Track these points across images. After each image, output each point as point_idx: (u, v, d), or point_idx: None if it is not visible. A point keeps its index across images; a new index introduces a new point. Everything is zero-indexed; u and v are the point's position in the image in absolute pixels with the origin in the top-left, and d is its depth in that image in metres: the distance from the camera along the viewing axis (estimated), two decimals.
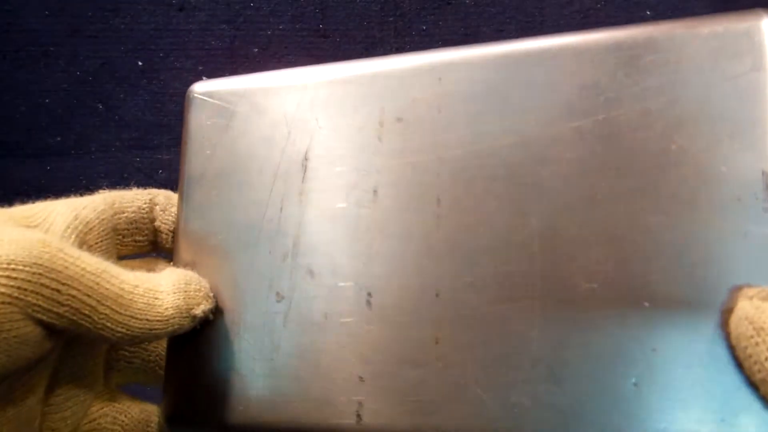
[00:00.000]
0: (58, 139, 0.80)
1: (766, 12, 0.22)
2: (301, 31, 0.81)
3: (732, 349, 0.21)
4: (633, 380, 0.19)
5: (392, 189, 0.19)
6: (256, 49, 0.80)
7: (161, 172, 0.78)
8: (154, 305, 0.21)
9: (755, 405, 0.20)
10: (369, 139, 0.20)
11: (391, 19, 0.82)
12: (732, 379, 0.20)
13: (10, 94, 0.80)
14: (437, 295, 0.19)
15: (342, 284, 0.19)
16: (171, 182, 0.80)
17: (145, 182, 0.81)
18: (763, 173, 0.19)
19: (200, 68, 0.80)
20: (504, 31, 0.81)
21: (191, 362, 0.25)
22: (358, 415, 0.19)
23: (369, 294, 0.19)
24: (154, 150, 0.80)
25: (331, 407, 0.19)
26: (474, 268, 0.19)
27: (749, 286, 0.20)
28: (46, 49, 0.79)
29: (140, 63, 0.80)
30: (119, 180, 0.80)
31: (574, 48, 0.21)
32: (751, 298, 0.20)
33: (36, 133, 0.80)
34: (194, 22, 0.80)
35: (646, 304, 0.19)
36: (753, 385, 0.21)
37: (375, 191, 0.19)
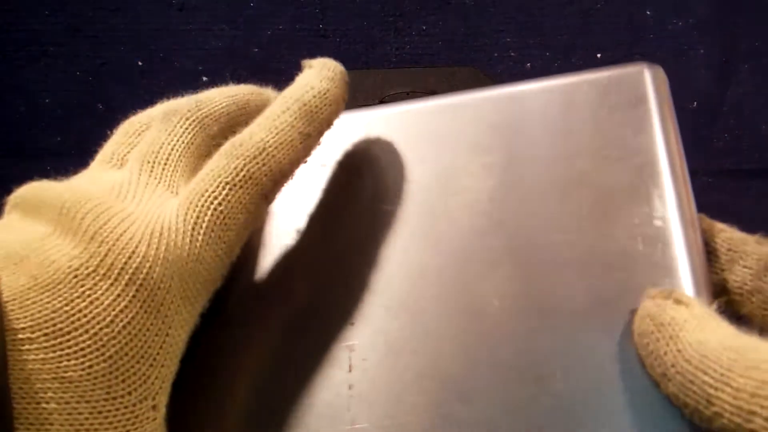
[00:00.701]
0: (58, 139, 0.80)
1: (646, 63, 0.28)
2: (301, 31, 0.81)
3: (636, 348, 0.21)
4: (545, 390, 0.20)
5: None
6: (256, 49, 0.80)
7: None
8: None
9: (663, 403, 0.20)
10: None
11: (391, 19, 0.82)
12: (642, 380, 0.21)
13: (10, 94, 0.80)
14: (353, 324, 0.19)
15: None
16: None
17: None
18: (651, 188, 0.22)
19: (200, 68, 0.80)
20: (504, 31, 0.81)
21: None
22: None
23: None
24: None
25: None
26: (388, 292, 0.20)
27: (653, 287, 0.22)
28: (46, 49, 0.79)
29: (140, 63, 0.80)
30: None
31: (490, 97, 0.25)
32: (653, 297, 0.21)
33: (36, 133, 0.80)
34: (194, 22, 0.80)
35: (553, 316, 0.21)
36: (654, 381, 0.20)
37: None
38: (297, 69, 0.92)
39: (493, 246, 0.21)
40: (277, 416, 0.18)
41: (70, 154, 0.80)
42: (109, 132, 0.71)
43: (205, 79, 0.80)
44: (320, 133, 0.21)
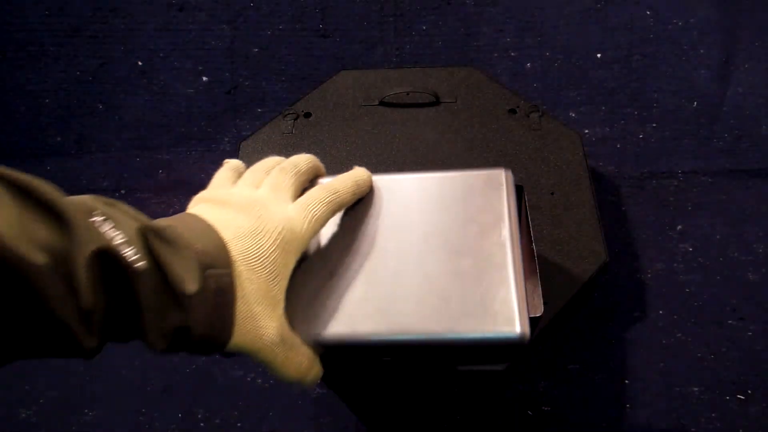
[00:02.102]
0: (58, 139, 0.80)
1: (505, 169, 0.43)
2: (301, 31, 0.81)
3: None
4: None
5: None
6: (256, 49, 0.80)
7: (161, 172, 0.78)
8: None
9: None
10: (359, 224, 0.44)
11: (391, 19, 0.82)
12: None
13: (10, 94, 0.80)
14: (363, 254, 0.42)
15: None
16: (171, 182, 0.80)
17: (145, 182, 0.81)
18: (499, 235, 0.41)
19: (200, 68, 0.80)
20: (504, 31, 0.81)
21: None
22: None
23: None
24: (154, 150, 0.80)
25: None
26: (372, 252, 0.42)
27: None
28: (46, 49, 0.79)
29: (140, 63, 0.80)
30: (119, 180, 0.80)
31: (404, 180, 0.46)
32: None
33: (36, 133, 0.80)
34: (194, 22, 0.80)
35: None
36: None
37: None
38: (297, 69, 0.92)
39: (400, 269, 0.41)
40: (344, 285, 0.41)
41: (70, 154, 0.80)
42: (109, 132, 0.71)
43: (205, 79, 0.80)
44: (362, 194, 0.44)
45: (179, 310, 0.31)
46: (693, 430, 0.55)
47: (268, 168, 0.43)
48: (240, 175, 0.43)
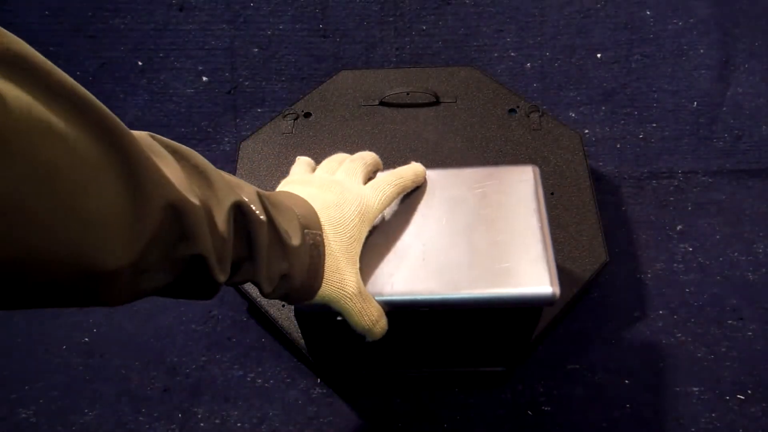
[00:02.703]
0: None
1: (533, 165, 0.51)
2: (301, 31, 0.81)
3: None
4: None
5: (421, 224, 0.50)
6: (256, 49, 0.80)
7: None
8: None
9: None
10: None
11: (391, 19, 0.82)
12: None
13: None
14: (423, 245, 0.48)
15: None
16: None
17: None
18: (538, 226, 0.48)
19: (200, 68, 0.80)
20: (504, 31, 0.81)
21: None
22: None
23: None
24: None
25: None
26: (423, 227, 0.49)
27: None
28: (46, 49, 0.79)
29: (140, 63, 0.80)
30: None
31: (446, 176, 0.52)
32: None
33: None
34: (194, 22, 0.80)
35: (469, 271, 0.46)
36: None
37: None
38: (297, 69, 0.92)
39: (450, 242, 0.48)
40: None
41: None
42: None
43: (205, 79, 0.80)
44: (419, 183, 0.51)
45: (285, 260, 0.39)
46: (693, 430, 0.55)
47: (340, 160, 0.51)
48: (313, 168, 0.51)
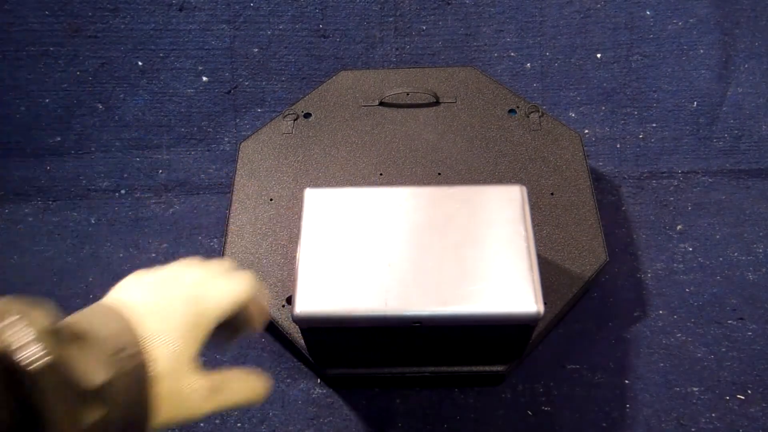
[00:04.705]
0: (58, 139, 0.80)
1: (520, 185, 0.52)
2: (301, 31, 0.81)
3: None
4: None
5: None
6: (256, 49, 0.80)
7: (161, 172, 0.78)
8: None
9: None
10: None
11: (391, 19, 0.82)
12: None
13: (10, 94, 0.80)
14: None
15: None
16: (171, 182, 0.80)
17: (145, 182, 0.81)
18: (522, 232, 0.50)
19: (200, 68, 0.80)
20: (504, 31, 0.81)
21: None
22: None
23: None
24: (154, 150, 0.80)
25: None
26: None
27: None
28: (46, 49, 0.79)
29: (140, 63, 0.80)
30: (119, 180, 0.80)
31: (434, 194, 0.53)
32: None
33: (36, 133, 0.80)
34: (194, 22, 0.80)
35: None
36: None
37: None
38: (297, 69, 0.92)
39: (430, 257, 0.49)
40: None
41: (70, 154, 0.80)
42: (109, 132, 0.70)
43: (205, 79, 0.80)
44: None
45: (92, 406, 0.28)
46: (693, 430, 0.55)
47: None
48: None
